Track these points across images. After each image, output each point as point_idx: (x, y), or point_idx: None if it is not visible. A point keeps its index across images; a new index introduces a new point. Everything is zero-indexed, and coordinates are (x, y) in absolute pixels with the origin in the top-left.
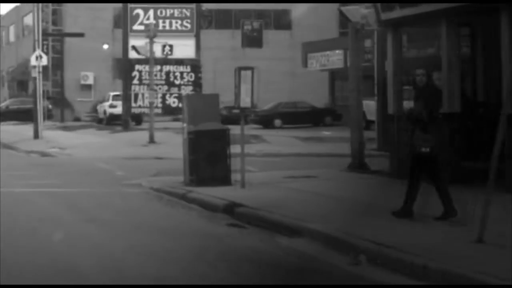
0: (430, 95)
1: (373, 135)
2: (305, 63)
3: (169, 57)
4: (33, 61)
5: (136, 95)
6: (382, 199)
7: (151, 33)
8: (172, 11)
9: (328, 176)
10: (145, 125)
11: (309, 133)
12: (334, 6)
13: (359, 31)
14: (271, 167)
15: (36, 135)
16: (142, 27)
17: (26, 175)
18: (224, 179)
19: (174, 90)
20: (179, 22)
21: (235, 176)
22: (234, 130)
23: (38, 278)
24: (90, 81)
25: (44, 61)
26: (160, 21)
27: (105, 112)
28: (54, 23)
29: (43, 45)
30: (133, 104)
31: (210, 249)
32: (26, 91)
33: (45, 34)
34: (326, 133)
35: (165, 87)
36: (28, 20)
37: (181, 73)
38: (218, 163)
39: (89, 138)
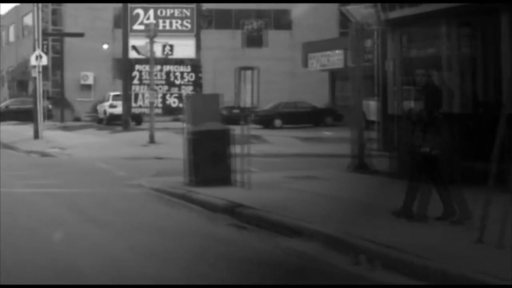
0: (430, 95)
1: (373, 135)
2: (305, 63)
3: (170, 57)
4: (33, 61)
5: (136, 95)
6: (382, 199)
7: (151, 33)
8: (172, 11)
9: (329, 176)
10: (145, 125)
11: (309, 133)
12: (334, 6)
13: (359, 31)
14: (271, 167)
15: (36, 135)
16: (142, 27)
17: (26, 175)
18: (225, 180)
19: (175, 90)
20: (179, 22)
21: (236, 176)
22: (235, 130)
23: (38, 278)
24: (90, 81)
25: (44, 61)
26: (160, 21)
27: (105, 112)
28: (54, 23)
29: (43, 45)
30: (133, 104)
31: (210, 249)
32: (26, 91)
33: (45, 34)
34: (327, 133)
35: (165, 87)
36: (28, 20)
37: (182, 73)
38: (219, 163)
39: (89, 138)
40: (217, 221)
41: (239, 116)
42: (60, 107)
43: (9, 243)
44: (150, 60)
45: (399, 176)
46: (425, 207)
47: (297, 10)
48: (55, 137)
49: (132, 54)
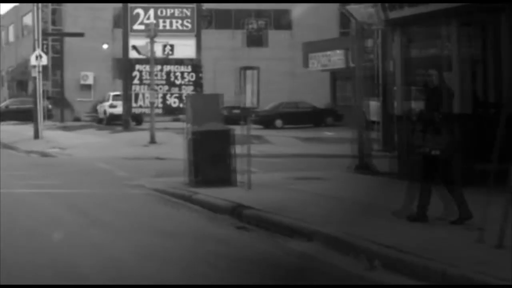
0: (430, 95)
1: (374, 135)
2: (306, 63)
3: (170, 57)
4: (32, 61)
5: (136, 95)
6: (382, 200)
7: (152, 33)
8: (172, 10)
9: (329, 176)
10: (145, 125)
11: (310, 133)
12: (334, 6)
13: (359, 31)
14: (272, 168)
15: (36, 135)
16: (142, 27)
17: (26, 175)
18: (226, 180)
19: (175, 90)
20: (180, 22)
21: (236, 177)
22: (235, 130)
23: (38, 278)
24: (90, 81)
25: (44, 61)
26: (161, 20)
27: (105, 112)
28: (54, 23)
29: (42, 45)
30: (133, 104)
31: (211, 249)
32: (26, 91)
33: (45, 34)
34: (327, 133)
35: (166, 87)
36: (28, 20)
37: (182, 73)
38: (221, 164)
39: (89, 138)
40: (218, 221)
41: (239, 116)
42: (60, 107)
43: (9, 243)
44: (150, 60)
45: (399, 176)
46: (425, 207)
47: (297, 10)
48: (55, 137)
49: (132, 54)
